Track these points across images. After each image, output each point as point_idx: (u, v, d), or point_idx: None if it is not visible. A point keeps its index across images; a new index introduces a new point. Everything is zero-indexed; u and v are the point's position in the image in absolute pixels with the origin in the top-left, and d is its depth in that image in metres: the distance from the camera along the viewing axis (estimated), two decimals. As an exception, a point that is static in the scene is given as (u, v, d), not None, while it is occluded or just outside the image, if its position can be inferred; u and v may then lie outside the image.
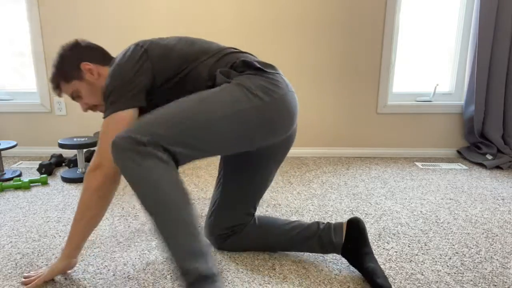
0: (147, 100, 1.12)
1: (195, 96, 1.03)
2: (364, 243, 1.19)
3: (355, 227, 1.20)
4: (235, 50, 1.19)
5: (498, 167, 2.36)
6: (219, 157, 2.50)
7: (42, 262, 1.27)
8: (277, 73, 1.13)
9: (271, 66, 1.14)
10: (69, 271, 1.21)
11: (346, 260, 1.28)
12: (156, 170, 0.92)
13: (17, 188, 1.96)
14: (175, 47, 1.16)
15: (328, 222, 1.25)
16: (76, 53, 1.22)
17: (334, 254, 1.32)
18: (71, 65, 1.21)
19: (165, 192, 0.92)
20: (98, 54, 1.24)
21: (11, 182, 1.98)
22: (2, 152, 2.23)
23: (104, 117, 1.08)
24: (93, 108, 1.28)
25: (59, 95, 1.29)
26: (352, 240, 1.19)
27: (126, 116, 1.06)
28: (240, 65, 1.11)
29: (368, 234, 1.47)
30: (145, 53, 1.12)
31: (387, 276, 1.20)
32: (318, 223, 1.25)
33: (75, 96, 1.26)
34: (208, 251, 0.93)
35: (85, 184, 1.08)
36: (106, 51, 1.29)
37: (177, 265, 0.91)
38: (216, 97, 1.02)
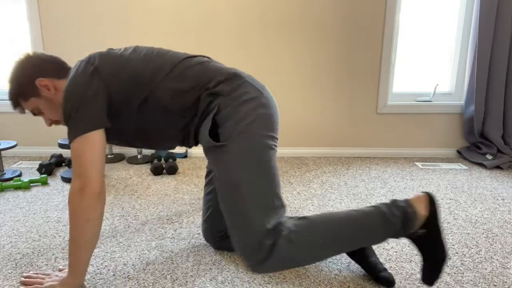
0: (112, 123, 1.09)
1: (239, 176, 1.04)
2: None
3: None
4: (190, 63, 1.14)
5: (498, 167, 2.36)
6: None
7: (42, 262, 1.27)
8: (243, 82, 1.12)
9: (235, 76, 1.12)
10: None
11: (345, 260, 1.28)
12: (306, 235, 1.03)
13: (17, 188, 1.96)
14: (129, 62, 1.11)
15: None
16: (30, 69, 1.18)
17: (334, 254, 1.32)
18: (26, 82, 1.17)
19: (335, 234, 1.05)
20: (52, 67, 1.20)
21: (11, 182, 1.98)
22: (2, 152, 2.23)
23: (70, 142, 1.04)
24: (57, 122, 1.25)
25: (22, 112, 1.24)
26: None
27: (96, 137, 1.04)
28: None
29: (368, 234, 1.47)
30: (96, 71, 1.08)
31: (387, 276, 1.20)
32: None
33: (37, 113, 1.22)
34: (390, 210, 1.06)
35: (74, 210, 1.02)
36: (61, 62, 1.24)
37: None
38: (247, 160, 1.06)
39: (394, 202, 1.08)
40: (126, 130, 1.17)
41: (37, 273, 1.17)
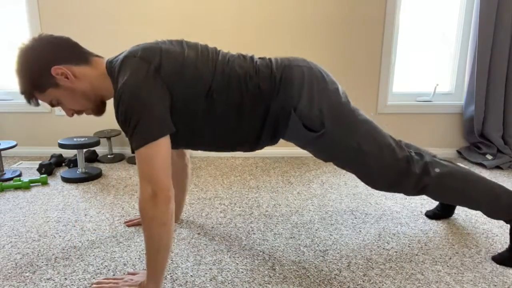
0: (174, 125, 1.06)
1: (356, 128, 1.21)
2: None
3: None
4: (241, 61, 1.16)
5: (498, 167, 2.36)
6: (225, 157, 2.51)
7: (42, 262, 1.27)
8: (293, 68, 1.19)
9: (285, 68, 1.18)
10: (70, 271, 1.21)
11: (345, 260, 1.28)
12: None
13: (17, 188, 1.96)
14: (188, 61, 1.08)
15: None
16: (41, 57, 1.05)
17: (335, 254, 1.32)
18: (40, 71, 1.05)
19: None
20: (67, 52, 1.08)
21: (11, 182, 1.98)
22: (2, 152, 2.23)
23: (136, 149, 0.99)
24: (79, 112, 1.16)
25: (37, 104, 1.12)
26: None
27: (164, 142, 1.00)
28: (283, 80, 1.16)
29: (368, 234, 1.47)
30: (157, 71, 1.02)
31: (387, 275, 1.20)
32: None
33: (56, 104, 1.12)
34: None
35: (150, 217, 0.98)
36: (75, 44, 1.12)
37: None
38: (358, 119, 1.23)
39: None
40: (189, 131, 1.13)
41: (107, 279, 1.14)
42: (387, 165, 1.20)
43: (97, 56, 1.16)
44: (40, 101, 1.14)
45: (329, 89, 1.18)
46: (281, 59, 1.20)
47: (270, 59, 1.20)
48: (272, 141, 1.24)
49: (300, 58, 1.22)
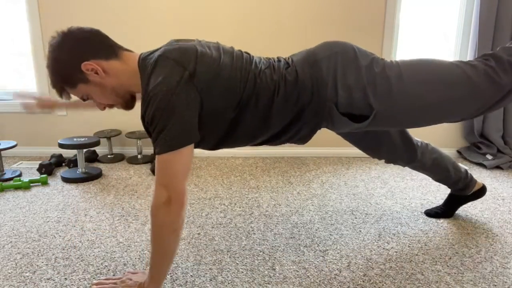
0: (200, 130, 1.04)
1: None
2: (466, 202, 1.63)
3: (481, 194, 1.60)
4: (271, 72, 1.12)
5: (498, 167, 2.36)
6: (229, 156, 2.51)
7: (42, 262, 1.27)
8: (320, 62, 1.14)
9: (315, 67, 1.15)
10: (70, 271, 1.21)
11: (345, 260, 1.28)
12: None
13: (17, 188, 1.96)
14: (223, 69, 1.05)
15: (471, 176, 1.56)
16: (72, 52, 1.05)
17: (335, 254, 1.32)
18: (70, 67, 1.05)
19: None
20: (97, 46, 1.08)
21: (11, 182, 1.98)
22: (2, 152, 2.23)
23: (159, 153, 0.97)
24: (110, 106, 1.17)
25: (68, 98, 1.13)
26: (470, 197, 1.60)
27: (189, 152, 0.99)
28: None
29: (368, 234, 1.47)
30: (191, 78, 0.99)
31: (387, 275, 1.20)
32: (466, 171, 1.56)
33: (86, 98, 1.14)
34: None
35: (161, 222, 0.97)
36: (105, 38, 1.13)
37: None
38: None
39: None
40: (214, 137, 1.12)
41: (108, 278, 1.14)
42: (467, 98, 1.06)
43: (126, 50, 1.16)
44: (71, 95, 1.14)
45: (363, 66, 1.10)
46: (306, 57, 1.14)
47: (295, 65, 1.13)
48: (303, 141, 1.27)
49: (324, 46, 1.16)
